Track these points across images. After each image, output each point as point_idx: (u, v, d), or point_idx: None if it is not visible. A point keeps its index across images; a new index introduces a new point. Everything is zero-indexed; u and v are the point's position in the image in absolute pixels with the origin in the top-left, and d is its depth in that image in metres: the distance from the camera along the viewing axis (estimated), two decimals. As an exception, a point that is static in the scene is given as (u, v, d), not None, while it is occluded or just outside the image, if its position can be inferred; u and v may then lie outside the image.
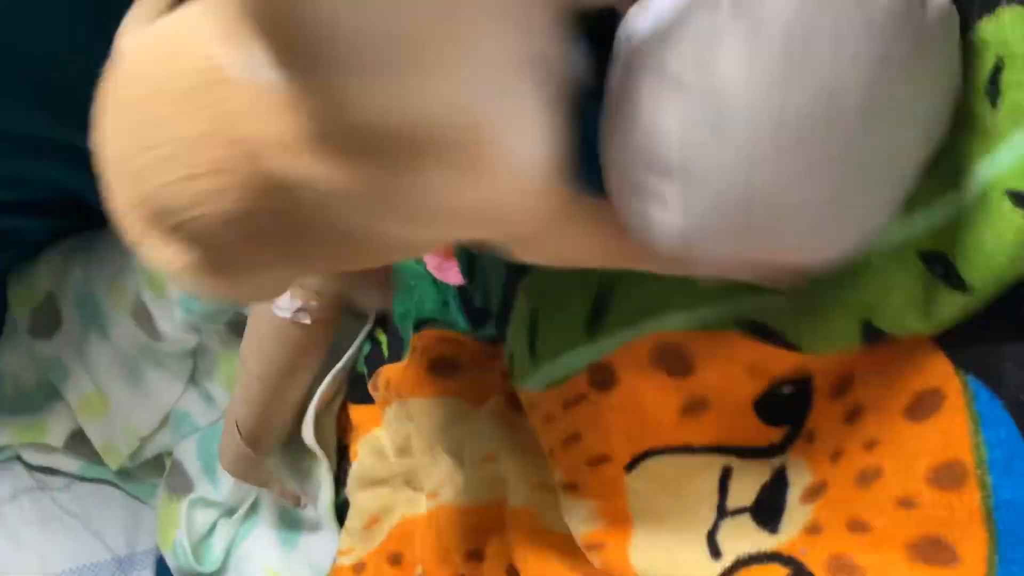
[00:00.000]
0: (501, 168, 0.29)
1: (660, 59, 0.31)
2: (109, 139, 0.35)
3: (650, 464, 0.46)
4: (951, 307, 0.36)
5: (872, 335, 0.38)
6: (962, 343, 0.38)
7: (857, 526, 0.39)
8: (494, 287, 0.52)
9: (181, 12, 0.33)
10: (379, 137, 0.27)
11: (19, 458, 1.01)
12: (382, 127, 0.27)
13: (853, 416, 0.40)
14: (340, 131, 0.27)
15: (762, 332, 0.41)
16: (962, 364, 0.37)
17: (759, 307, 0.41)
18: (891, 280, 0.37)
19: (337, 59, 0.25)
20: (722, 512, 0.44)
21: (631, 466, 0.46)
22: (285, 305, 0.69)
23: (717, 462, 0.45)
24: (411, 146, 0.27)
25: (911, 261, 0.37)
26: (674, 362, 0.43)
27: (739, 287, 0.41)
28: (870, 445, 0.39)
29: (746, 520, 0.44)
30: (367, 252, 0.35)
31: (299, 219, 0.31)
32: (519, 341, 0.48)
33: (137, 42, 0.34)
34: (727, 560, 0.43)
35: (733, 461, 0.45)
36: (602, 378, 0.45)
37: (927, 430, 0.37)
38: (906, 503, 0.37)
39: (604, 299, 0.45)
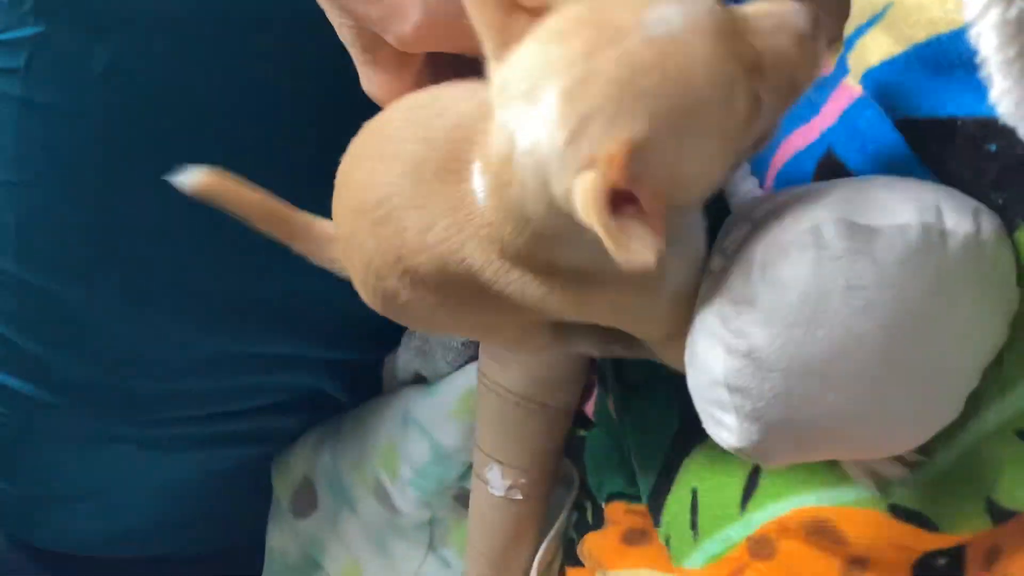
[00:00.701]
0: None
1: (706, 317, 0.38)
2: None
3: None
4: None
5: (999, 514, 0.41)
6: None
7: None
8: (648, 470, 0.58)
9: None
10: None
11: (291, 627, 1.14)
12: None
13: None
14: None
15: (905, 515, 0.44)
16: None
17: (900, 491, 0.45)
18: (998, 461, 0.41)
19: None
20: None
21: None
22: (498, 484, 0.77)
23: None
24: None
25: (1011, 440, 0.40)
26: (826, 535, 0.47)
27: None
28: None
29: None
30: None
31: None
32: (679, 522, 0.54)
33: None
34: None
35: None
36: (762, 549, 0.50)
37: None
38: None
39: (755, 476, 0.50)
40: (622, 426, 0.65)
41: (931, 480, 0.44)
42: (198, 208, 0.72)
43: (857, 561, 0.48)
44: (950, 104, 0.39)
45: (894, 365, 0.36)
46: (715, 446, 0.52)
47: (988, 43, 0.24)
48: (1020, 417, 0.40)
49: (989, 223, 0.37)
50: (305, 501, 1.10)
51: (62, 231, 0.73)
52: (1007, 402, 0.40)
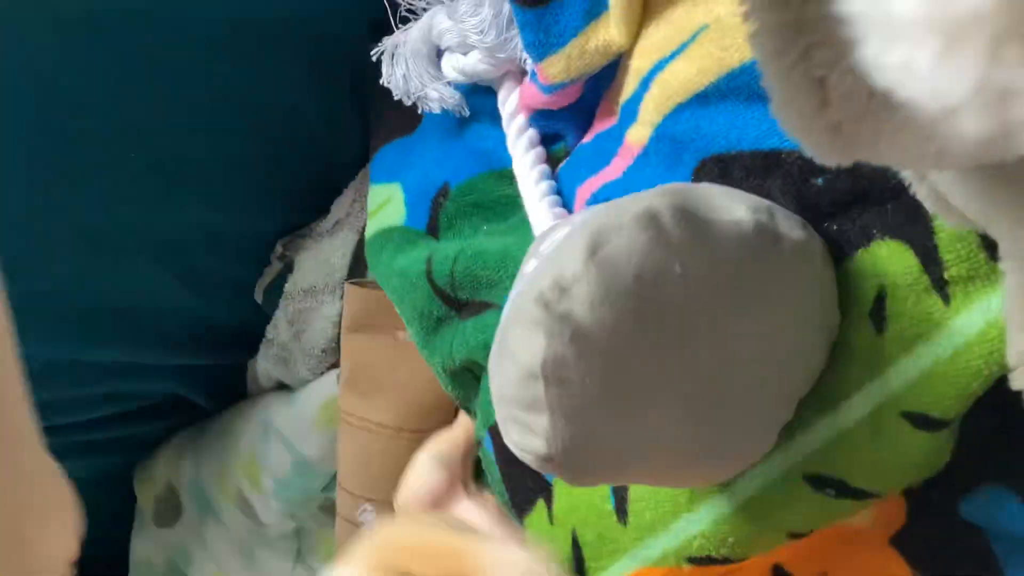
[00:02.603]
0: None
1: (523, 308, 0.35)
2: None
3: None
4: (853, 510, 0.39)
5: (797, 535, 0.41)
6: (912, 545, 0.40)
7: None
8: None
9: None
10: None
11: (154, 641, 1.09)
12: None
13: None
14: None
15: (712, 560, 0.43)
16: (917, 563, 0.40)
17: (696, 538, 0.43)
18: (788, 506, 0.40)
19: None
20: None
21: None
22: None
23: None
24: None
25: (798, 485, 0.39)
26: None
27: (663, 528, 0.44)
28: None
29: None
30: None
31: None
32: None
33: None
34: None
35: None
36: None
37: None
38: None
39: (577, 549, 0.49)
40: None
41: (728, 517, 0.42)
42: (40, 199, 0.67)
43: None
44: (772, 136, 0.38)
45: (723, 363, 0.35)
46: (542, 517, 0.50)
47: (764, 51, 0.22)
48: (809, 461, 0.39)
49: (817, 239, 0.36)
50: (169, 510, 1.06)
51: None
52: (796, 443, 0.39)
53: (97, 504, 1.09)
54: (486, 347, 0.54)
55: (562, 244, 0.35)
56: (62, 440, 0.95)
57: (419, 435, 0.70)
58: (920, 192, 0.27)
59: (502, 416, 0.37)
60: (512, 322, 0.36)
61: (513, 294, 0.38)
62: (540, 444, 0.36)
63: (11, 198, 0.68)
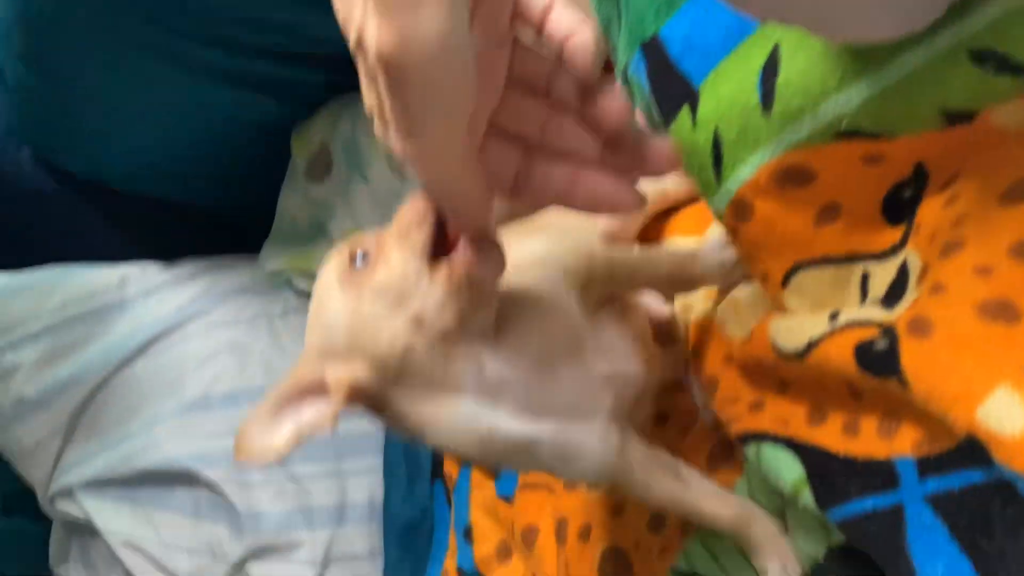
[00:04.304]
0: None
1: None
2: None
3: (798, 278, 0.51)
4: (1008, 93, 0.40)
5: (952, 117, 0.42)
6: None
7: (937, 288, 0.42)
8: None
9: None
10: None
11: (289, 282, 1.18)
12: None
13: (950, 202, 0.43)
14: None
15: (859, 135, 0.44)
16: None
17: (844, 118, 0.44)
18: (948, 80, 0.41)
19: None
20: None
21: (784, 282, 0.51)
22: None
23: (856, 269, 0.49)
24: None
25: (961, 60, 0.40)
26: (796, 176, 0.48)
27: (811, 111, 0.45)
28: (958, 222, 0.42)
29: (874, 306, 0.48)
30: None
31: None
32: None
33: None
34: (839, 322, 0.47)
35: (870, 266, 0.48)
36: (740, 211, 0.50)
37: (1017, 211, 0.40)
38: (983, 271, 0.40)
39: (717, 145, 0.50)
40: None
41: (881, 94, 0.43)
42: None
43: (829, 208, 0.48)
44: None
45: None
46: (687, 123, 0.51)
47: None
48: (975, 37, 0.39)
49: None
50: (320, 166, 1.12)
51: None
52: (964, 23, 0.39)
53: (255, 154, 1.16)
54: None
55: None
56: (239, 62, 1.01)
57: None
58: None
59: None
60: None
61: None
62: None
63: None
